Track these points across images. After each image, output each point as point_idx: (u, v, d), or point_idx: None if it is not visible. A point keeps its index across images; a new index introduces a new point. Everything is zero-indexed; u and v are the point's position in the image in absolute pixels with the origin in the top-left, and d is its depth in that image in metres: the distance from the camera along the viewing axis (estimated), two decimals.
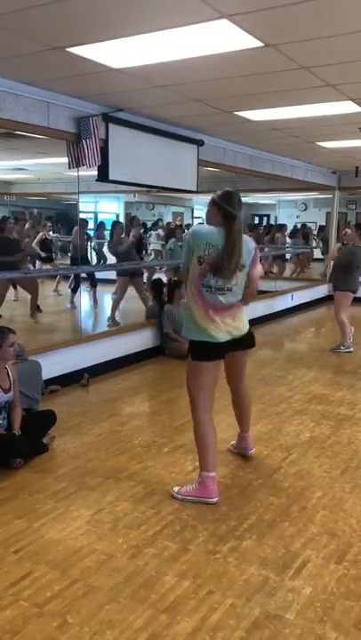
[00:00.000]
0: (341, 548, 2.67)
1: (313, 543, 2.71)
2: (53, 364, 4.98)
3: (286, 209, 19.08)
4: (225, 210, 3.01)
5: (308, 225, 15.85)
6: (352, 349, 6.72)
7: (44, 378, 4.62)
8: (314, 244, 14.22)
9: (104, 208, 16.25)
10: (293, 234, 14.23)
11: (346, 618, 2.20)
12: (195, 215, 19.29)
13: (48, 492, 3.21)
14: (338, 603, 2.29)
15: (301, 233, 14.36)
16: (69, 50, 3.54)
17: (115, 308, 7.60)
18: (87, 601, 2.29)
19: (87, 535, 2.77)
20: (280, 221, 17.76)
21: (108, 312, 7.66)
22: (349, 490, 3.26)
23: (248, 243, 3.09)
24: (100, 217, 16.54)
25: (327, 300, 10.77)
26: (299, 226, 15.57)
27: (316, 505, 3.08)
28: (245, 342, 3.28)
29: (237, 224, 3.01)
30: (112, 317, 7.51)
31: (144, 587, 2.38)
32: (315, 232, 15.33)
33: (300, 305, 9.88)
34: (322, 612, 2.23)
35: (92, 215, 16.29)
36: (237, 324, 3.14)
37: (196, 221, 17.74)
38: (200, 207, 19.79)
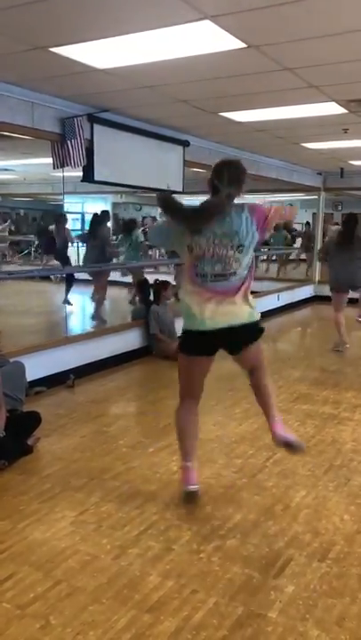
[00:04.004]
0: (324, 547, 2.69)
1: (296, 542, 2.73)
2: (39, 365, 4.96)
3: None
4: (212, 184, 2.75)
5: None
6: None
7: (30, 379, 4.59)
8: (297, 242, 14.29)
9: (91, 209, 16.21)
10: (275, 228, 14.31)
11: (328, 615, 2.22)
12: None
13: (32, 493, 3.20)
14: (320, 600, 2.30)
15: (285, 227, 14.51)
16: (53, 50, 3.54)
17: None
18: (70, 602, 2.28)
19: (71, 536, 2.76)
20: None
21: (86, 312, 7.84)
22: (333, 488, 3.28)
23: (241, 214, 2.72)
24: (88, 217, 16.51)
25: (313, 300, 10.85)
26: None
27: (299, 504, 3.10)
28: (249, 331, 2.88)
29: (220, 197, 2.70)
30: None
31: (128, 587, 2.38)
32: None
33: (286, 305, 9.91)
34: (304, 610, 2.24)
35: (78, 216, 16.24)
36: (241, 308, 2.80)
37: None
38: None
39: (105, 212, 9.04)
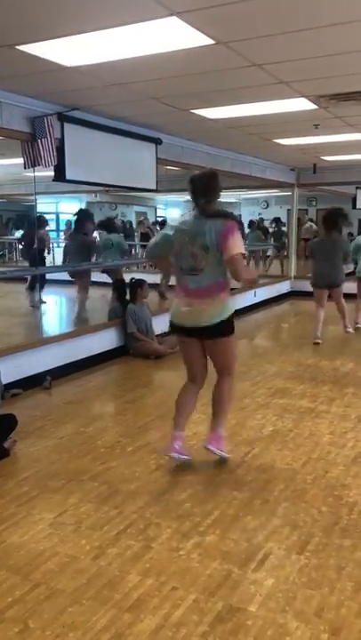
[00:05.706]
0: (303, 539, 2.71)
1: (275, 535, 2.74)
2: (14, 367, 4.90)
3: (248, 207, 19.27)
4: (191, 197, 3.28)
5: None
6: None
7: (5, 382, 4.54)
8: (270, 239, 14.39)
9: (65, 209, 16.11)
10: (250, 226, 14.37)
11: (307, 607, 2.23)
12: (158, 214, 19.27)
13: (9, 496, 3.16)
14: (299, 592, 2.32)
15: (260, 227, 14.61)
16: (20, 48, 3.50)
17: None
18: (49, 604, 2.26)
19: (49, 538, 2.73)
20: (244, 219, 17.88)
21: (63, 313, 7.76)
22: (311, 481, 3.31)
23: (216, 223, 3.17)
24: (62, 217, 16.40)
25: (290, 295, 10.93)
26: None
27: (278, 497, 3.11)
28: (211, 330, 3.28)
29: (200, 210, 3.24)
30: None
31: (107, 587, 2.37)
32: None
33: (264, 301, 9.96)
34: (284, 603, 2.26)
35: (53, 216, 16.11)
36: (206, 311, 3.24)
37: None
38: (163, 206, 19.79)
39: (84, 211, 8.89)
